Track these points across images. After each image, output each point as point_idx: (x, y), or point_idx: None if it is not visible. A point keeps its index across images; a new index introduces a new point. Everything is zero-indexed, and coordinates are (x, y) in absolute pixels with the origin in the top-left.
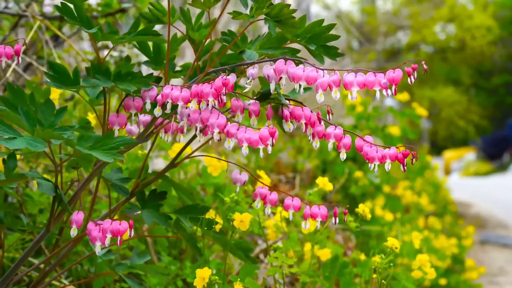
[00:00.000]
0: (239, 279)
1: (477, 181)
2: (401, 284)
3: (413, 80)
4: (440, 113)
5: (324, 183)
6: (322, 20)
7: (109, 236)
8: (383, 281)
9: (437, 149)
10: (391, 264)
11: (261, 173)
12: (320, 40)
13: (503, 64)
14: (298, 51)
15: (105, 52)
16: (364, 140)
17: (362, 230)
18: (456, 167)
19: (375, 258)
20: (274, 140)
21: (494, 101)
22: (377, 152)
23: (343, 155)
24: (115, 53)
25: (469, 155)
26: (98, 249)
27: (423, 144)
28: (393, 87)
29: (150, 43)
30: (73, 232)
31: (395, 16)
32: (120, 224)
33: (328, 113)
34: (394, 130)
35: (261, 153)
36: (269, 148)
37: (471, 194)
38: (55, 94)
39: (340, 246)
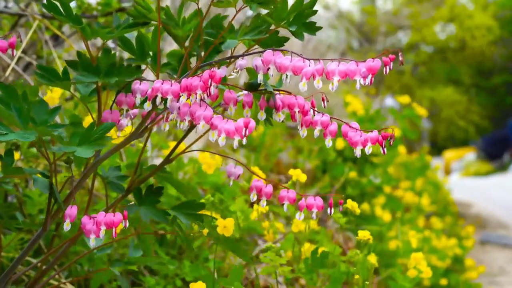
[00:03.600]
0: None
1: (477, 181)
2: (398, 283)
3: (388, 70)
4: (440, 113)
5: (297, 174)
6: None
7: (103, 228)
8: (376, 281)
9: (437, 149)
10: (368, 258)
11: (255, 169)
12: (302, 18)
13: (503, 64)
14: (278, 32)
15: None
16: (350, 126)
17: (362, 230)
18: (456, 167)
19: (370, 257)
20: (248, 131)
21: (494, 101)
22: (360, 136)
23: (328, 142)
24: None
25: (469, 155)
26: (92, 242)
27: (423, 144)
28: (370, 76)
29: (133, 40)
30: (66, 226)
31: (395, 16)
32: (114, 216)
33: (323, 100)
34: (395, 130)
35: (235, 144)
36: (244, 140)
37: (471, 194)
38: (56, 94)
39: (339, 246)
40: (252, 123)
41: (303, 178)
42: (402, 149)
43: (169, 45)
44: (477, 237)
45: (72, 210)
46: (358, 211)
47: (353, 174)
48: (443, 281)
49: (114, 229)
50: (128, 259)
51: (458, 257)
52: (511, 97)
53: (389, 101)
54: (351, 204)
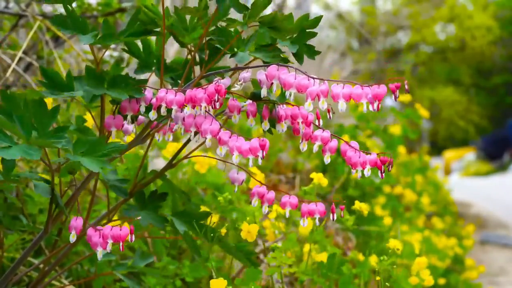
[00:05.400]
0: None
1: (477, 181)
2: (400, 285)
3: (396, 98)
4: (440, 113)
5: (319, 177)
6: (307, 15)
7: (110, 241)
8: (386, 283)
9: (437, 149)
10: (394, 266)
11: (254, 169)
12: (304, 39)
13: (503, 64)
14: (281, 50)
15: (106, 52)
16: (349, 145)
17: (362, 230)
18: (456, 167)
19: (372, 258)
20: (264, 152)
21: (494, 101)
22: (359, 157)
23: (327, 159)
24: (115, 53)
25: (469, 155)
26: (100, 255)
27: (423, 144)
28: (376, 102)
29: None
30: (72, 238)
31: (395, 16)
32: (120, 230)
33: (329, 111)
34: (395, 130)
35: (250, 163)
36: (260, 160)
37: (471, 194)
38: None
39: (339, 246)
40: (268, 144)
41: (324, 182)
42: (402, 149)
43: (170, 45)
44: (477, 237)
45: (77, 222)
46: (366, 212)
47: (354, 175)
48: (443, 281)
49: (121, 243)
50: (132, 265)
51: (458, 257)
52: (511, 97)
53: (389, 101)
54: (359, 205)
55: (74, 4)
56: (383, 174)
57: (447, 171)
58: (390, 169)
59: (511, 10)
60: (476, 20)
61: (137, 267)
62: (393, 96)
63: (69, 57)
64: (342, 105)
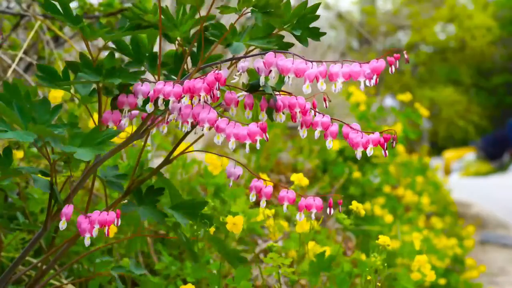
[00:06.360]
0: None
1: (477, 181)
2: (400, 284)
3: (393, 70)
4: (440, 113)
5: (299, 178)
6: (306, 2)
7: (97, 226)
8: (384, 282)
9: (437, 149)
10: (385, 263)
11: (264, 176)
12: (305, 23)
13: (503, 64)
14: (283, 37)
15: (107, 53)
16: (350, 127)
17: (362, 229)
18: (456, 167)
19: (371, 257)
20: (266, 135)
21: (494, 101)
22: (362, 137)
23: (329, 143)
24: (115, 55)
25: (469, 155)
26: (87, 240)
27: (423, 144)
28: (375, 76)
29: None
30: (62, 225)
31: (395, 16)
32: (107, 215)
33: (325, 100)
34: (396, 129)
35: (247, 149)
36: (258, 145)
37: (471, 194)
38: (58, 93)
39: (339, 245)
40: (266, 127)
41: (304, 182)
42: (401, 148)
43: (168, 45)
44: (477, 237)
45: (68, 209)
46: (363, 212)
47: (357, 175)
48: (443, 281)
49: (107, 228)
50: (129, 269)
51: (458, 257)
52: (511, 97)
53: (388, 101)
54: (356, 205)
55: (75, 4)
56: (386, 152)
57: (447, 171)
58: (394, 145)
59: (511, 10)
60: (476, 20)
61: (136, 277)
62: (390, 69)
63: (69, 56)
64: (339, 84)
